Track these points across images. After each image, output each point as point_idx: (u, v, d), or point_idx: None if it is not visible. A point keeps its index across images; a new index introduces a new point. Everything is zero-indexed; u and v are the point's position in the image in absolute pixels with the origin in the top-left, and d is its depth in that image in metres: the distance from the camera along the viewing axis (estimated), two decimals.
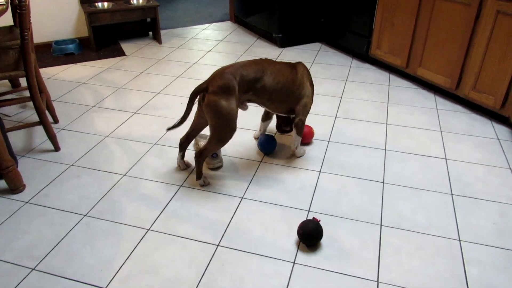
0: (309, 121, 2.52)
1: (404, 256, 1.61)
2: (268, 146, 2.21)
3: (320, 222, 1.75)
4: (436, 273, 1.54)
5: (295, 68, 2.03)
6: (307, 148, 2.28)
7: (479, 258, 1.61)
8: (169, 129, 1.97)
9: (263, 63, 1.92)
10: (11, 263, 1.56)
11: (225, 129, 1.84)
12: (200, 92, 1.83)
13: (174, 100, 2.81)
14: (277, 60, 1.83)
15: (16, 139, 2.36)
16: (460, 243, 1.67)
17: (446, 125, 2.54)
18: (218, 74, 1.82)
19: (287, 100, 1.99)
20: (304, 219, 1.78)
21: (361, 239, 1.69)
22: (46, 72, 3.26)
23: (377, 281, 1.50)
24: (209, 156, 2.09)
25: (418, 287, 1.48)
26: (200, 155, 1.92)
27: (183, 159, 2.09)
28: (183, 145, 2.07)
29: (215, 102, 1.77)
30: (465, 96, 2.65)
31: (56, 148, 2.26)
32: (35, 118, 2.57)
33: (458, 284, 1.50)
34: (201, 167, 1.96)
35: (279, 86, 1.93)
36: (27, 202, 1.88)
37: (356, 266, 1.56)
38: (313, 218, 1.65)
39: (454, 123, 2.56)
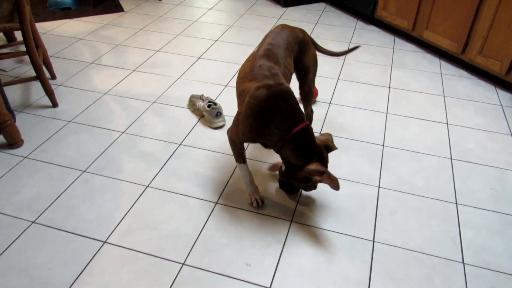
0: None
1: (400, 218, 1.62)
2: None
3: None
4: (431, 235, 1.56)
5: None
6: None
7: (475, 221, 1.63)
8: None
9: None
10: (11, 216, 1.58)
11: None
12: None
13: (174, 59, 2.76)
14: (279, 26, 1.71)
15: (13, 94, 2.33)
16: (456, 206, 1.69)
17: (449, 90, 2.50)
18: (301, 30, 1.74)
19: None
20: None
21: (358, 200, 1.70)
22: (42, 27, 3.17)
23: (373, 241, 1.52)
24: (212, 114, 2.07)
25: (412, 248, 1.50)
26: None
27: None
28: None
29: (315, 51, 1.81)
30: (470, 61, 2.60)
31: (54, 104, 2.23)
32: (32, 73, 2.53)
33: (452, 245, 1.52)
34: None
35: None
36: (25, 157, 1.87)
37: (353, 226, 1.58)
38: None
39: (457, 88, 2.53)
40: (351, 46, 3.00)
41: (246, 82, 1.49)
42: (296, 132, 1.42)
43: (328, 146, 1.54)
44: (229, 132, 1.58)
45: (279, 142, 1.45)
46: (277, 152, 1.49)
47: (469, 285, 1.38)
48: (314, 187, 1.62)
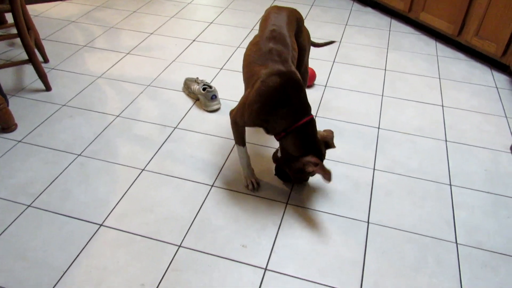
0: (309, 64, 2.46)
1: (395, 199, 1.64)
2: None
3: None
4: (425, 215, 1.57)
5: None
6: (307, 91, 2.23)
7: (468, 202, 1.64)
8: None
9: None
10: (7, 200, 1.58)
11: None
12: None
13: (168, 41, 2.72)
14: (270, 10, 1.66)
15: (5, 78, 2.30)
16: (450, 188, 1.70)
17: (445, 72, 2.50)
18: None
19: None
20: None
21: (354, 182, 1.71)
22: (33, 9, 3.11)
23: (368, 222, 1.54)
24: (207, 98, 2.06)
25: (407, 228, 1.52)
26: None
27: None
28: None
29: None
30: (466, 42, 2.58)
31: (47, 88, 2.21)
32: (24, 56, 2.49)
33: (445, 226, 1.54)
34: None
35: None
36: (19, 141, 1.86)
37: (348, 208, 1.59)
38: None
39: (453, 70, 2.52)
40: (347, 28, 2.98)
41: (256, 67, 1.46)
42: (301, 125, 1.42)
43: (327, 142, 1.55)
44: (233, 113, 1.57)
45: (283, 132, 1.45)
46: (278, 140, 1.49)
47: (461, 264, 1.40)
48: (305, 179, 1.64)
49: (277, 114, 1.41)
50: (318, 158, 1.44)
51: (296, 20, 1.66)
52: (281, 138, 1.47)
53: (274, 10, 1.64)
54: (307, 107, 1.45)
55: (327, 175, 1.41)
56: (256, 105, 1.41)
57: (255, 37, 1.58)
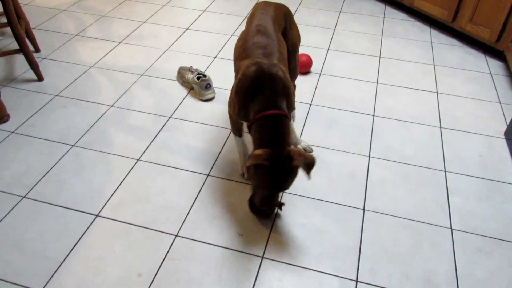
0: (303, 51, 2.45)
1: (390, 186, 1.65)
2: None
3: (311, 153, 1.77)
4: (420, 202, 1.59)
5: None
6: (301, 79, 2.23)
7: (463, 188, 1.66)
8: None
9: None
10: (1, 191, 1.57)
11: None
12: None
13: (161, 30, 2.69)
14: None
15: None
16: (445, 174, 1.71)
17: (440, 58, 2.50)
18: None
19: None
20: None
21: (349, 170, 1.71)
22: None
23: (363, 209, 1.55)
24: (202, 87, 2.04)
25: (402, 215, 1.53)
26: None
27: None
28: None
29: None
30: (461, 29, 2.58)
31: (39, 78, 2.18)
32: (15, 46, 2.46)
33: (440, 212, 1.55)
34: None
35: None
36: (12, 132, 1.84)
37: (344, 195, 1.60)
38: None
39: (448, 56, 2.52)
40: (341, 15, 2.96)
41: (242, 60, 1.43)
42: (264, 116, 1.30)
43: (307, 163, 1.28)
44: (228, 106, 1.53)
45: (248, 123, 1.37)
46: (250, 133, 1.39)
47: (456, 249, 1.42)
48: (266, 205, 1.38)
49: (252, 104, 1.34)
50: (266, 152, 1.25)
51: (283, 16, 1.62)
52: (249, 128, 1.37)
53: (261, 6, 1.61)
54: (279, 103, 1.33)
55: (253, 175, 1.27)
56: (237, 97, 1.38)
57: (242, 33, 1.55)
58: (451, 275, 1.34)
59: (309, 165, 1.28)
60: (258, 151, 1.26)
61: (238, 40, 1.54)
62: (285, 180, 1.29)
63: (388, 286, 1.30)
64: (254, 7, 1.64)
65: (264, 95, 1.33)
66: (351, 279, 1.32)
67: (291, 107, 1.41)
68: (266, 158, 1.25)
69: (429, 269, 1.36)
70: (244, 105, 1.37)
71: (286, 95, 1.36)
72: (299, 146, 1.77)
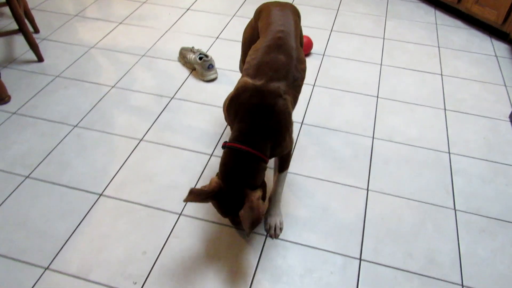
0: (306, 33, 2.42)
1: (394, 167, 1.64)
2: None
3: (314, 134, 1.76)
4: (424, 183, 1.58)
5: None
6: None
7: (467, 169, 1.65)
8: None
9: None
10: (4, 171, 1.56)
11: None
12: None
13: (162, 10, 2.65)
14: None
15: None
16: (449, 156, 1.71)
17: (445, 40, 2.47)
18: None
19: None
20: (297, 132, 1.78)
21: (353, 151, 1.70)
22: None
23: (367, 189, 1.55)
24: (204, 67, 2.02)
25: (405, 195, 1.53)
26: None
27: None
28: None
29: None
30: (466, 10, 2.54)
31: (40, 59, 2.15)
32: (14, 26, 2.42)
33: (444, 193, 1.55)
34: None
35: None
36: (14, 113, 1.83)
37: (347, 176, 1.59)
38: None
39: (452, 38, 2.49)
40: None
41: (247, 68, 1.25)
42: (231, 148, 1.17)
43: (252, 218, 1.11)
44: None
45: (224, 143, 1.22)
46: None
47: (459, 229, 1.42)
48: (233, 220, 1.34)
49: (235, 126, 1.22)
50: (213, 188, 1.16)
51: (299, 21, 1.43)
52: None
53: (276, 6, 1.40)
54: (261, 141, 1.16)
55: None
56: (225, 111, 1.27)
57: (258, 42, 1.31)
58: (455, 254, 1.35)
59: (252, 222, 1.10)
60: (208, 185, 1.18)
61: (249, 33, 1.38)
62: (236, 212, 1.18)
63: (392, 265, 1.31)
64: (265, 4, 1.46)
65: (245, 124, 1.16)
66: (354, 257, 1.32)
67: (280, 148, 1.21)
68: (210, 193, 1.15)
69: (432, 248, 1.36)
70: (229, 121, 1.27)
71: (276, 133, 1.17)
72: (270, 219, 1.38)
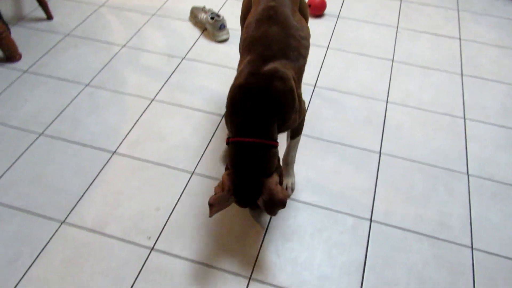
0: None
1: (407, 131, 1.62)
2: None
3: (326, 97, 1.74)
4: (437, 148, 1.57)
5: None
6: (317, 22, 2.15)
7: (482, 135, 1.63)
8: None
9: None
10: (18, 129, 1.57)
11: None
12: None
13: None
14: None
15: (3, 7, 2.20)
16: (464, 121, 1.68)
17: (464, 3, 2.38)
18: None
19: None
20: (310, 95, 1.75)
21: (366, 114, 1.68)
22: None
23: (379, 152, 1.54)
24: (215, 27, 1.98)
25: (418, 159, 1.52)
26: None
27: None
28: None
29: None
30: None
31: (49, 17, 2.12)
32: None
33: (457, 157, 1.54)
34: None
35: None
36: (25, 72, 1.82)
37: (360, 138, 1.58)
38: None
39: (473, 2, 2.40)
40: None
41: (243, 50, 1.18)
42: (238, 143, 1.10)
43: (272, 201, 1.09)
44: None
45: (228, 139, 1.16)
46: None
47: (472, 194, 1.42)
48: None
49: (235, 121, 1.14)
50: (229, 187, 1.10)
51: None
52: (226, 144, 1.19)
53: None
54: (267, 127, 1.10)
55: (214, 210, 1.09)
56: (226, 110, 1.17)
57: (249, 14, 1.23)
58: (465, 218, 1.35)
59: (276, 207, 1.08)
60: (222, 185, 1.11)
61: (246, 5, 1.29)
62: (255, 202, 1.13)
63: (402, 226, 1.32)
64: None
65: (247, 115, 1.09)
66: (365, 218, 1.33)
67: (287, 125, 1.15)
68: (229, 193, 1.10)
69: (444, 212, 1.36)
70: (230, 119, 1.15)
71: (279, 115, 1.10)
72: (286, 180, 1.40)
